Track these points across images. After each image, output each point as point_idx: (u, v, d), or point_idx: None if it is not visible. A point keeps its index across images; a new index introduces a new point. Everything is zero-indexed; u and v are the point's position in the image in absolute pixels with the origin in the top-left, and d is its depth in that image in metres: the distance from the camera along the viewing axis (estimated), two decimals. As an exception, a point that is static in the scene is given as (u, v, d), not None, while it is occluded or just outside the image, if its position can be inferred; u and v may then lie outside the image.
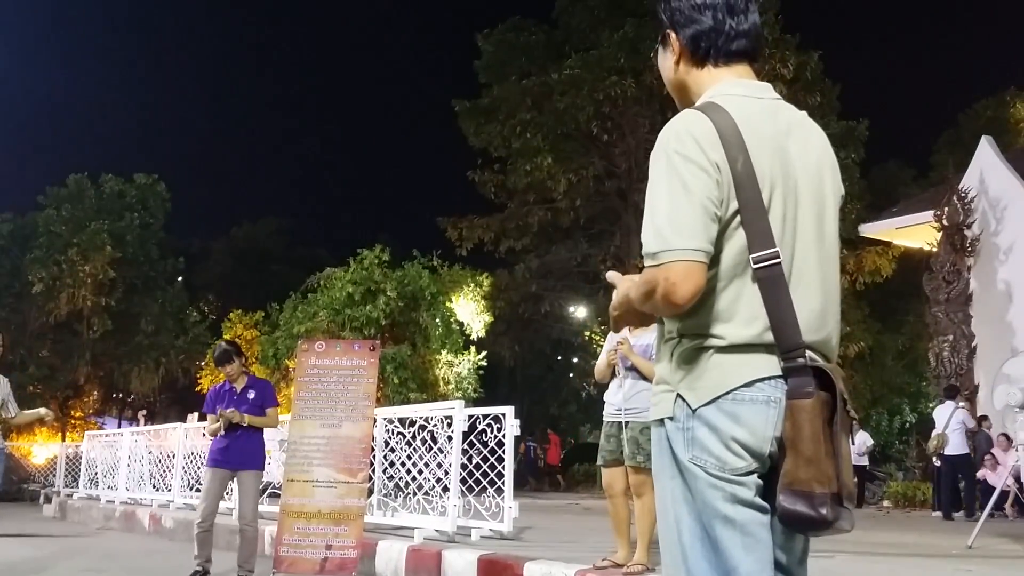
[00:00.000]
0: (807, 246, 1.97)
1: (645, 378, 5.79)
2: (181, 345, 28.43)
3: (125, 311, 26.60)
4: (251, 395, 7.33)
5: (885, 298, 29.27)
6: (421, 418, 8.81)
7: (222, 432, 7.18)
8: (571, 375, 38.63)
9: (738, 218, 1.89)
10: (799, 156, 2.01)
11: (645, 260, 1.89)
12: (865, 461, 18.56)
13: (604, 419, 6.03)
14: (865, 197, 24.95)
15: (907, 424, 33.26)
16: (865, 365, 27.89)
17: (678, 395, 1.93)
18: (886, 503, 17.13)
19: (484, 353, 22.84)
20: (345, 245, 37.33)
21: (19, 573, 7.78)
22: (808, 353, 1.89)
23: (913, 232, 19.32)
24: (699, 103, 2.04)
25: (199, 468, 11.75)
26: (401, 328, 20.37)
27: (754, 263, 1.88)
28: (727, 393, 1.87)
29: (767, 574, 1.85)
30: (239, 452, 7.24)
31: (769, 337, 1.88)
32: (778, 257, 1.88)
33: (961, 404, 14.09)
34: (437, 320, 20.90)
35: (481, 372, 22.44)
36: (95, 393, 29.80)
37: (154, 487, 13.70)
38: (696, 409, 1.90)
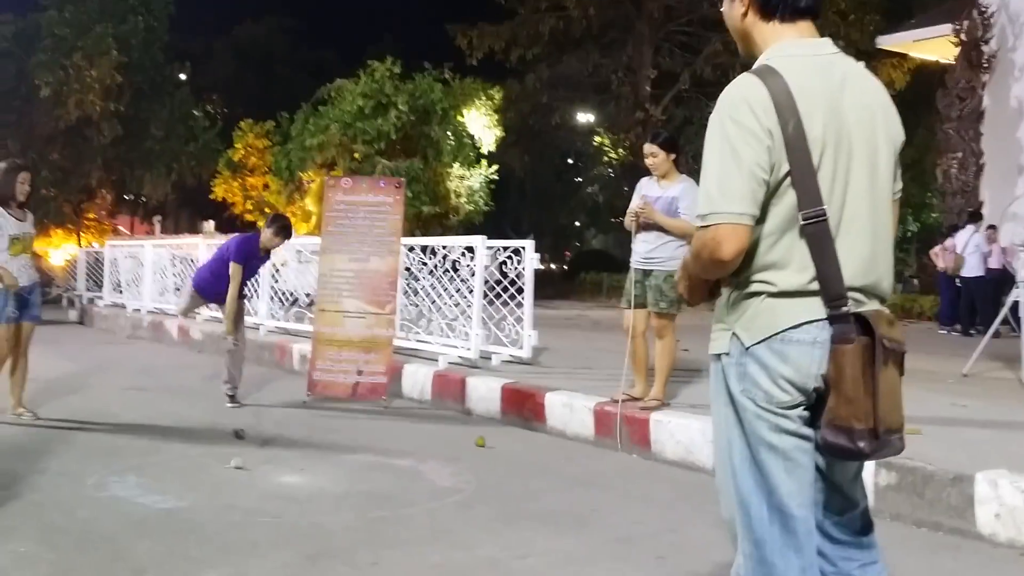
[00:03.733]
0: (859, 195, 2.14)
1: (669, 232, 6.02)
2: (192, 151, 28.40)
3: (134, 116, 26.34)
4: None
5: (897, 108, 28.97)
6: (443, 247, 9.06)
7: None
8: (579, 180, 38.63)
9: (789, 178, 2.07)
10: (852, 108, 2.15)
11: (696, 221, 2.11)
12: None
13: (631, 266, 6.28)
14: (883, 7, 24.37)
15: (909, 234, 33.64)
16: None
17: (733, 333, 2.17)
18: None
19: (495, 167, 22.89)
20: (350, 47, 36.63)
21: (63, 390, 8.18)
22: (856, 297, 2.10)
23: (929, 45, 18.97)
24: (757, 65, 2.18)
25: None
26: (413, 142, 20.34)
27: (802, 219, 2.07)
28: (777, 334, 2.09)
29: (806, 493, 2.14)
30: (222, 294, 7.64)
31: (816, 285, 2.08)
32: (824, 215, 2.07)
33: (980, 229, 14.44)
34: (449, 133, 20.83)
35: (493, 186, 22.57)
36: (108, 196, 30.04)
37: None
38: (749, 347, 2.13)
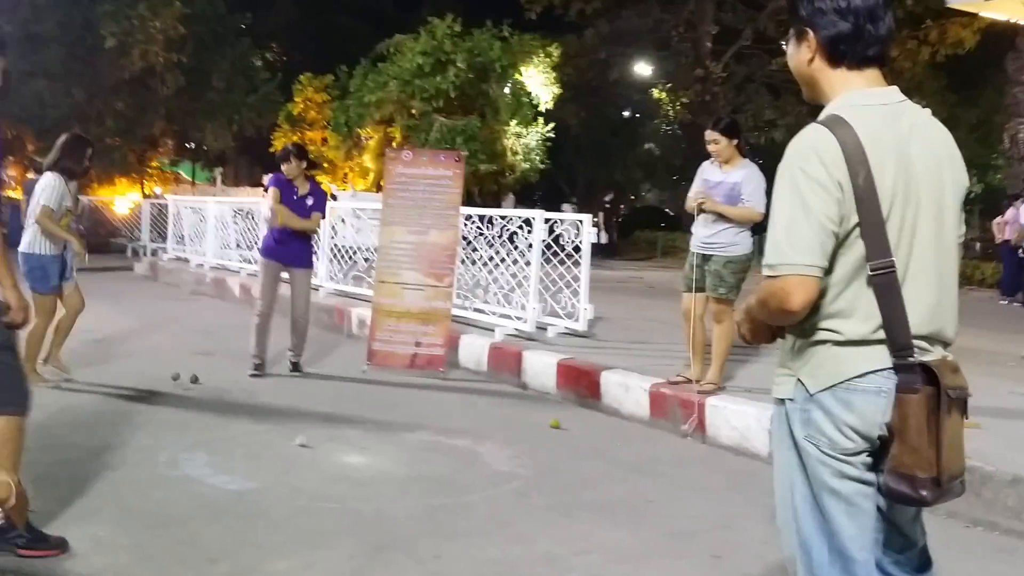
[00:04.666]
0: (925, 244, 2.16)
1: (731, 218, 6.01)
2: (252, 103, 28.66)
3: (196, 67, 26.69)
4: (309, 202, 7.72)
5: (964, 68, 28.23)
6: (502, 218, 9.11)
7: (275, 226, 7.65)
8: (638, 131, 38.09)
9: (858, 230, 2.09)
10: (920, 158, 2.16)
11: (763, 271, 2.12)
12: None
13: (690, 249, 6.31)
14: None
15: (972, 194, 32.94)
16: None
17: (798, 379, 2.20)
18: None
19: (552, 125, 22.76)
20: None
21: (132, 352, 8.43)
22: (920, 345, 2.12)
23: (1001, 4, 18.33)
24: (826, 115, 2.19)
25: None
26: (471, 99, 20.32)
27: (871, 270, 2.09)
28: (842, 382, 2.12)
29: (867, 537, 2.18)
30: (292, 250, 7.72)
31: (882, 334, 2.11)
32: (892, 266, 2.09)
33: None
34: (506, 91, 20.76)
35: (549, 143, 22.47)
36: (170, 143, 30.55)
37: (241, 258, 14.32)
38: (814, 394, 2.16)
